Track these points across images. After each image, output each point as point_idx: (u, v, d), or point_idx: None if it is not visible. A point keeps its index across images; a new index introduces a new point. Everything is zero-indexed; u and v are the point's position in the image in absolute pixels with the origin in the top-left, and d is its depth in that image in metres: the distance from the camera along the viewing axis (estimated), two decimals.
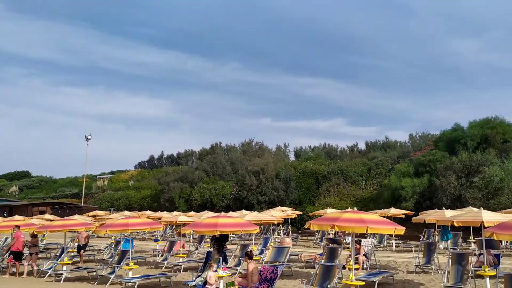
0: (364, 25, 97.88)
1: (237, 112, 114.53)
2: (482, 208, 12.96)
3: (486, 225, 10.97)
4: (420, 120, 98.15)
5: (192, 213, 29.46)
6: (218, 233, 11.92)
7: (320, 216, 15.43)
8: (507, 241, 19.73)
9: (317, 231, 24.14)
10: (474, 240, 18.07)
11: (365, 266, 14.89)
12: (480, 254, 13.17)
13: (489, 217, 11.61)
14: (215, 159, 44.69)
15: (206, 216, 20.06)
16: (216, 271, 11.37)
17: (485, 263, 11.94)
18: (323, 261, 14.07)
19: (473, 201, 24.99)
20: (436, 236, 21.35)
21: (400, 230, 10.30)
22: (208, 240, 20.24)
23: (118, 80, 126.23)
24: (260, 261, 16.03)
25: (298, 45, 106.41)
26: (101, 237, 28.89)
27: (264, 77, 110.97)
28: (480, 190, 25.89)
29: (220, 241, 14.53)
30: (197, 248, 20.89)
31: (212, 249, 14.84)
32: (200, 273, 12.46)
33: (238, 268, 14.65)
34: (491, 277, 10.60)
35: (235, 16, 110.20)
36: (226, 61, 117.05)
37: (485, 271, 10.92)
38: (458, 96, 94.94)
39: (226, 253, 15.73)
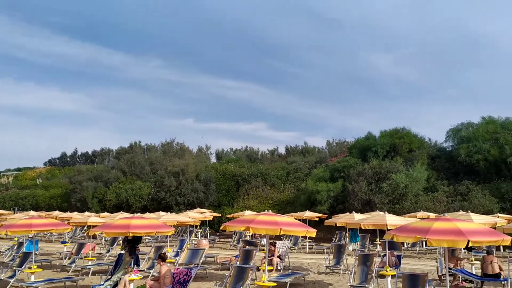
0: (289, 33, 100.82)
1: (159, 111, 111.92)
2: (386, 212, 13.85)
3: (389, 228, 11.72)
4: (337, 128, 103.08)
5: (105, 214, 28.16)
6: (131, 235, 11.49)
7: (238, 218, 15.52)
8: (408, 243, 21.32)
9: (234, 233, 24.29)
10: (380, 242, 19.24)
11: (278, 268, 15.22)
12: (384, 255, 14.06)
13: (392, 221, 12.45)
14: (133, 159, 43.15)
15: (120, 217, 19.27)
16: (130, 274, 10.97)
17: (388, 263, 12.77)
18: (238, 263, 14.15)
19: (381, 206, 26.68)
20: (347, 238, 22.49)
21: (312, 232, 10.66)
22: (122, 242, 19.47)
23: (29, 71, 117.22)
24: (174, 264, 15.73)
25: (224, 47, 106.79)
26: (2, 238, 26.64)
27: (188, 77, 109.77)
28: (387, 195, 27.69)
29: (132, 243, 14.00)
30: (108, 251, 19.99)
31: (123, 252, 14.28)
32: (109, 276, 11.93)
33: (151, 271, 14.26)
34: (392, 276, 11.34)
35: (161, 12, 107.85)
36: (150, 58, 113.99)
37: (387, 271, 11.66)
38: (371, 106, 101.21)
39: (139, 255, 15.24)
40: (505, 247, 20.53)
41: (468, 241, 7.87)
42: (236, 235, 24.11)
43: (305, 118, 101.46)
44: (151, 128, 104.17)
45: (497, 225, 14.06)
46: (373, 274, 12.07)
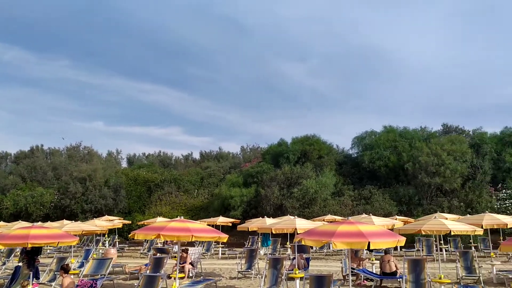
0: (204, 37, 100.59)
1: (64, 113, 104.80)
2: (296, 217, 14.31)
3: (298, 232, 12.12)
4: (251, 133, 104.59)
5: (1, 223, 25.71)
6: (30, 245, 10.59)
7: (149, 225, 15.04)
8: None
9: (145, 240, 23.49)
10: (290, 246, 19.81)
11: (190, 275, 15.00)
12: (294, 258, 14.50)
13: (301, 224, 12.88)
14: (34, 163, 40.07)
15: (18, 226, 17.68)
16: None
17: (297, 266, 13.19)
18: (147, 271, 13.70)
19: (292, 210, 27.58)
20: (259, 243, 22.86)
21: (223, 238, 10.67)
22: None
23: None
24: (79, 275, 14.79)
25: (137, 50, 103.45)
26: None
27: (99, 78, 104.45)
28: (298, 200, 28.72)
29: (31, 255, 12.96)
30: (4, 263, 18.27)
31: (21, 264, 13.16)
32: None
33: (53, 284, 13.30)
34: (301, 278, 11.72)
35: (69, 9, 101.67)
36: (55, 57, 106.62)
37: (296, 273, 12.03)
38: (285, 113, 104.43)
39: (39, 267, 14.13)
40: (401, 247, 22.29)
41: (369, 243, 8.38)
42: (147, 242, 23.34)
43: (220, 124, 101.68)
44: (55, 130, 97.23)
45: (394, 227, 15.25)
46: (283, 277, 12.38)
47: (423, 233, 11.61)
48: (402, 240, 8.88)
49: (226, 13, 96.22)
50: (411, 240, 22.92)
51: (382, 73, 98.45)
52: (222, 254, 22.98)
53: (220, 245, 22.87)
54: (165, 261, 14.45)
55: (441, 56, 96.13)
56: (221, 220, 25.47)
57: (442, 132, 35.69)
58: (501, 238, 19.57)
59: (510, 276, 12.52)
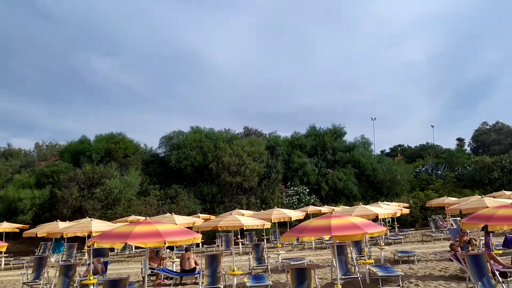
0: (5, 23, 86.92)
1: None
2: (93, 219, 13.37)
3: (94, 235, 11.30)
4: (51, 129, 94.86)
5: None
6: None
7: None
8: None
9: None
10: (87, 250, 18.46)
11: None
12: (89, 263, 13.49)
13: (98, 227, 12.06)
14: None
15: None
16: None
17: (92, 271, 12.29)
18: None
19: (93, 212, 25.84)
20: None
21: (198, 238, 9.33)
22: None
23: None
24: None
25: None
26: None
27: None
28: (100, 201, 27.08)
29: None
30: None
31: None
32: None
33: None
34: (94, 284, 10.94)
35: None
36: None
37: (90, 279, 11.18)
38: (90, 109, 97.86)
39: None
40: (203, 243, 23.12)
41: (165, 241, 8.31)
42: None
43: (12, 117, 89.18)
44: None
45: (195, 224, 15.67)
46: (75, 285, 11.37)
47: (219, 229, 12.18)
48: (198, 237, 9.08)
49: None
50: (213, 236, 24.05)
51: (193, 75, 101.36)
52: (5, 264, 19.99)
53: (3, 255, 19.83)
54: None
55: (245, 65, 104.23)
56: (5, 226, 22.12)
57: (244, 134, 38.60)
58: (288, 229, 22.10)
59: (292, 263, 14.14)
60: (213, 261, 12.26)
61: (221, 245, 21.23)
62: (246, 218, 13.26)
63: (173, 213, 17.82)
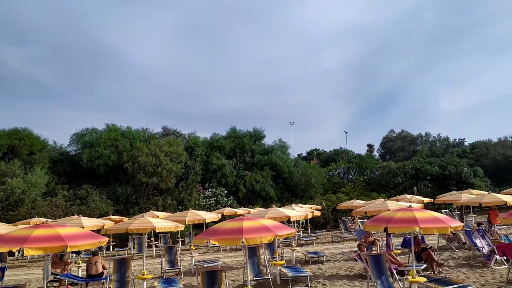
0: None
1: None
2: None
3: None
4: None
5: None
6: None
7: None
8: (19, 251, 19.65)
9: None
10: None
11: None
12: None
13: None
14: None
15: None
16: None
17: None
18: None
19: None
20: None
21: (104, 241, 8.27)
22: None
23: None
24: None
25: None
26: None
27: None
28: (1, 201, 24.90)
29: None
30: None
31: None
32: None
33: None
34: None
35: None
36: None
37: None
38: None
39: None
40: (114, 246, 22.19)
41: (67, 246, 7.84)
42: None
43: None
44: None
45: (104, 227, 14.94)
46: None
47: (130, 232, 11.74)
48: (104, 241, 8.66)
49: None
50: (126, 238, 23.16)
51: (111, 71, 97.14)
52: None
53: None
54: None
55: (166, 64, 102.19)
56: None
57: (162, 134, 37.75)
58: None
59: (205, 266, 14.03)
60: (121, 265, 11.76)
61: (133, 248, 20.50)
62: (159, 221, 12.92)
63: (80, 215, 16.83)
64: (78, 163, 30.46)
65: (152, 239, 21.15)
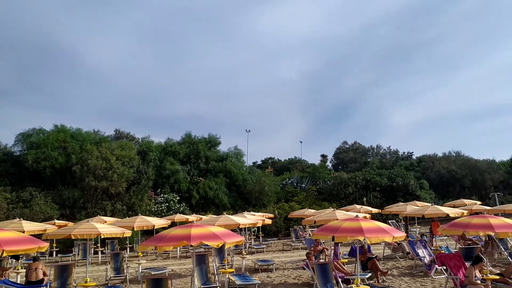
0: None
1: None
2: None
3: None
4: None
5: None
6: None
7: None
8: None
9: None
10: None
11: None
12: None
13: None
14: None
15: None
16: None
17: None
18: None
19: None
20: None
21: (44, 247, 7.54)
22: None
23: None
24: None
25: None
26: None
27: None
28: None
29: None
30: None
31: None
32: None
33: None
34: None
35: None
36: None
37: None
38: None
39: None
40: (57, 252, 21.26)
41: (3, 250, 7.46)
42: None
43: None
44: None
45: (46, 231, 14.29)
46: None
47: (74, 237, 11.29)
48: (44, 246, 8.30)
49: None
50: (70, 244, 22.29)
51: (63, 71, 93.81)
52: None
53: None
54: None
55: (123, 66, 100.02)
56: None
57: (115, 137, 36.73)
58: None
59: (153, 273, 13.71)
60: (63, 272, 11.29)
61: (78, 254, 19.74)
62: (105, 226, 12.52)
63: (21, 219, 15.98)
64: (23, 164, 29.02)
65: (99, 245, 20.46)
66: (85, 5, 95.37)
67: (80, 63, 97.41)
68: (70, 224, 21.45)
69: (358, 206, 25.48)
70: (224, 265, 14.16)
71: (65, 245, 22.73)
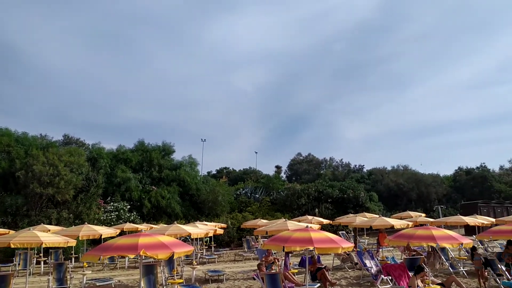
0: None
1: None
2: None
3: None
4: None
5: None
6: None
7: None
8: None
9: None
10: None
11: None
12: None
13: None
14: None
15: None
16: None
17: None
18: None
19: None
20: None
21: None
22: None
23: None
24: None
25: None
26: None
27: None
28: None
29: None
30: None
31: None
32: None
33: None
34: None
35: None
36: None
37: None
38: None
39: None
40: None
41: None
42: None
43: None
44: None
45: None
46: None
47: (13, 246, 10.69)
48: None
49: None
50: (11, 253, 21.11)
51: (8, 71, 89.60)
52: None
53: None
54: None
55: (74, 70, 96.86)
56: None
57: (63, 142, 35.38)
58: None
59: (98, 284, 13.21)
60: (1, 282, 10.66)
61: (19, 264, 18.71)
62: (47, 235, 11.95)
63: None
64: None
65: (41, 255, 19.51)
66: (36, 5, 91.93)
67: (27, 65, 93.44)
68: (12, 232, 20.33)
69: (310, 217, 25.84)
70: (173, 276, 13.88)
71: (6, 254, 21.52)
